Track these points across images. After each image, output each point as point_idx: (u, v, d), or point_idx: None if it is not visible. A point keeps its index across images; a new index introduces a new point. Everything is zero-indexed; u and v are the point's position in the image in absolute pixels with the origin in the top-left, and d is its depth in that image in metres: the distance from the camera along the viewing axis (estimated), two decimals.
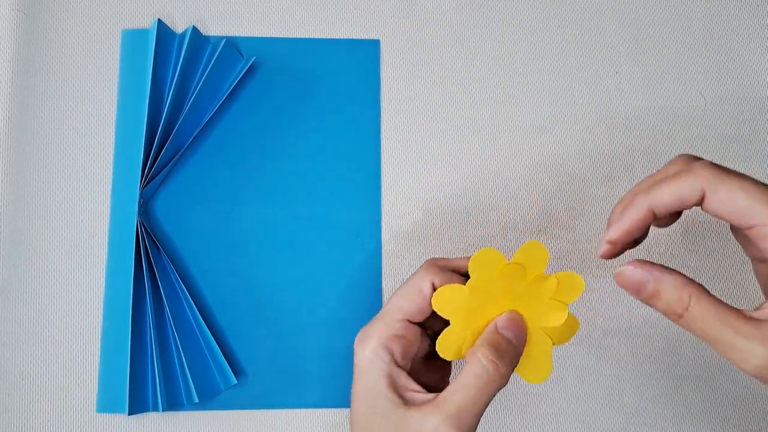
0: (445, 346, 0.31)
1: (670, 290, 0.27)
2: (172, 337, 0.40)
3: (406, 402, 0.29)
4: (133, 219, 0.40)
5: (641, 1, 0.47)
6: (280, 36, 0.45)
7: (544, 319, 0.31)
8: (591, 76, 0.46)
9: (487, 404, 0.29)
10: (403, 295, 0.32)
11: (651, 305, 0.28)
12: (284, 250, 0.42)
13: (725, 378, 0.42)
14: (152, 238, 0.40)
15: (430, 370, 0.34)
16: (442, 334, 0.31)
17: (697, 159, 0.28)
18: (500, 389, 0.29)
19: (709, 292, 0.27)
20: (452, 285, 0.31)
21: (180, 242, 0.42)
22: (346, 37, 0.45)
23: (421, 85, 0.45)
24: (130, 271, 0.39)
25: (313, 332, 0.41)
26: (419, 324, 0.33)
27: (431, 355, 0.34)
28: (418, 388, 0.30)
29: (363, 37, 0.45)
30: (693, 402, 0.42)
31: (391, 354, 0.31)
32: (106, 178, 0.42)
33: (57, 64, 0.43)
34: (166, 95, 0.42)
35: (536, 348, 0.32)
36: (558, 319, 0.31)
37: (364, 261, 0.42)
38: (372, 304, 0.42)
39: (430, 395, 0.29)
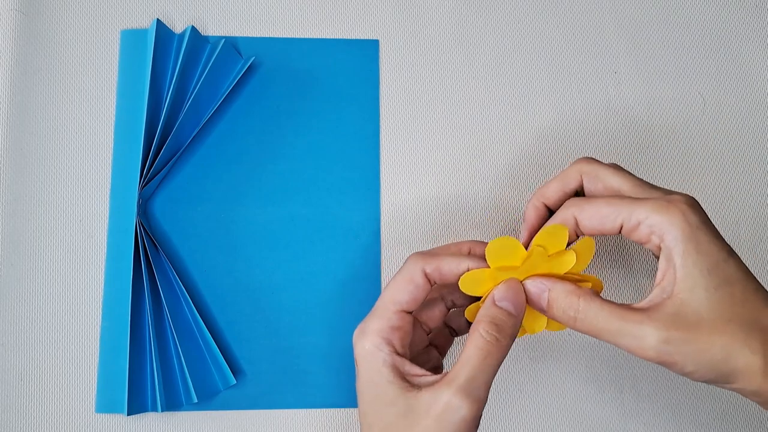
0: (469, 281, 0.32)
1: (562, 297, 0.30)
2: (171, 337, 0.40)
3: (414, 386, 0.30)
4: (132, 219, 0.40)
5: (641, 1, 0.47)
6: (279, 36, 0.45)
7: (558, 265, 0.32)
8: (590, 76, 0.46)
9: (495, 373, 0.30)
10: (395, 286, 0.33)
11: (551, 316, 0.31)
12: (283, 250, 0.42)
13: None
14: (151, 238, 0.40)
15: (422, 362, 0.35)
16: (468, 273, 0.32)
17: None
18: (505, 357, 0.30)
19: (598, 295, 0.30)
20: (480, 269, 0.32)
21: (179, 242, 0.42)
22: (345, 37, 0.45)
23: (420, 85, 0.45)
24: (128, 271, 0.39)
25: (311, 332, 0.41)
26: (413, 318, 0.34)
27: (425, 347, 0.36)
28: (423, 372, 0.31)
29: (362, 37, 0.45)
30: (693, 401, 0.42)
31: (391, 345, 0.31)
32: (104, 178, 0.42)
33: (56, 64, 0.43)
34: (165, 95, 0.42)
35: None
36: (569, 262, 0.32)
37: (363, 261, 0.42)
38: (371, 304, 0.41)
39: (437, 376, 0.30)
